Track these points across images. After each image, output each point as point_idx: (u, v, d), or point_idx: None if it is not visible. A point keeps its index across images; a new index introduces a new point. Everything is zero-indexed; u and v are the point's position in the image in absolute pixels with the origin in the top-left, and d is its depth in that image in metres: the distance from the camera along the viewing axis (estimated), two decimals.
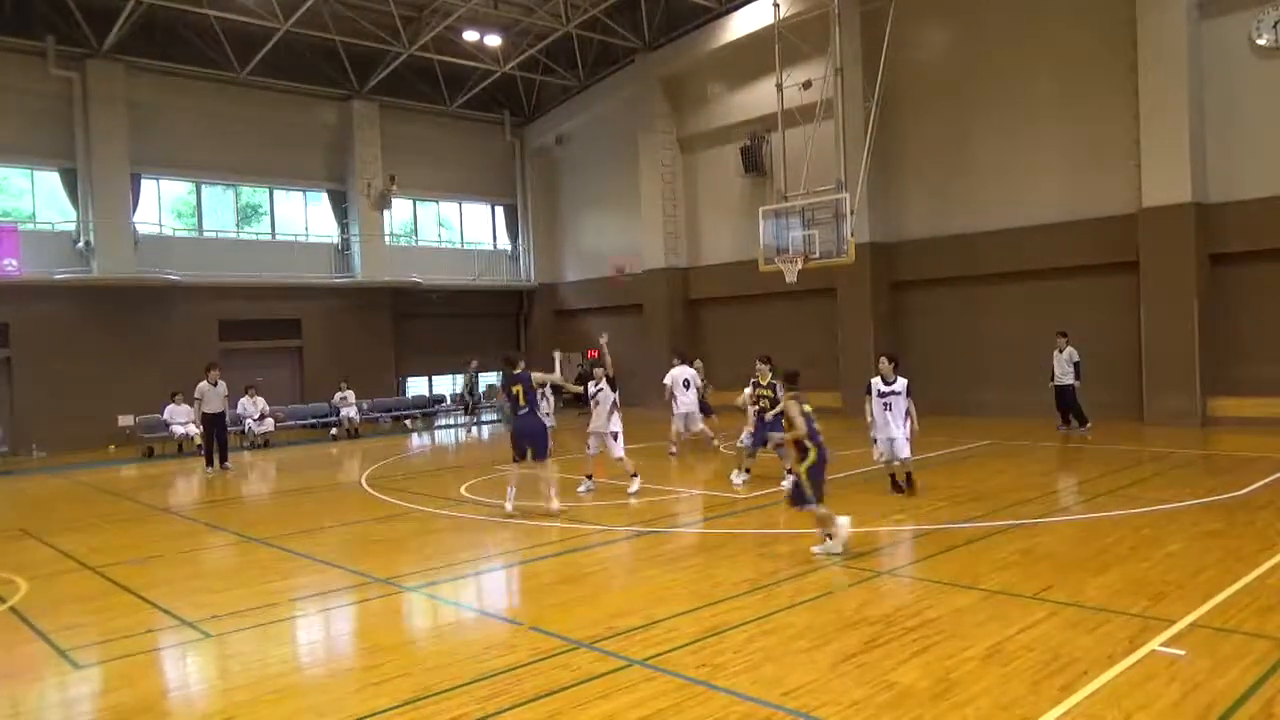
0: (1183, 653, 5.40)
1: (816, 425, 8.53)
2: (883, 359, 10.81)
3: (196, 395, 17.59)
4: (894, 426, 10.53)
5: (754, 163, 23.87)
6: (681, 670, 5.50)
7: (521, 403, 11.01)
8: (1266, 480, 10.95)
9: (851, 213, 18.30)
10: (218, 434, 17.28)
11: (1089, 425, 16.59)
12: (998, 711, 4.72)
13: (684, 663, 5.64)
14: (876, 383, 10.68)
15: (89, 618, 7.52)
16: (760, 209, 19.99)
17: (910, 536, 8.86)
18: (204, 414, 17.37)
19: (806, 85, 20.18)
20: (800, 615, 6.51)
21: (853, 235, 18.26)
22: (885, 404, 10.61)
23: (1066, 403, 16.73)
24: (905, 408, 10.55)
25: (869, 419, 10.80)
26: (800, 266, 18.82)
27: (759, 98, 23.20)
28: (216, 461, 17.15)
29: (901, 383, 10.59)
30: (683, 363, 15.93)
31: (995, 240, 19.66)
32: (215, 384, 17.16)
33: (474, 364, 24.85)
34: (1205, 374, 16.86)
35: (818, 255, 18.67)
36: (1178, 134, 16.73)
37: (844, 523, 8.13)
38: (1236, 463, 12.60)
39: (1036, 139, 19.09)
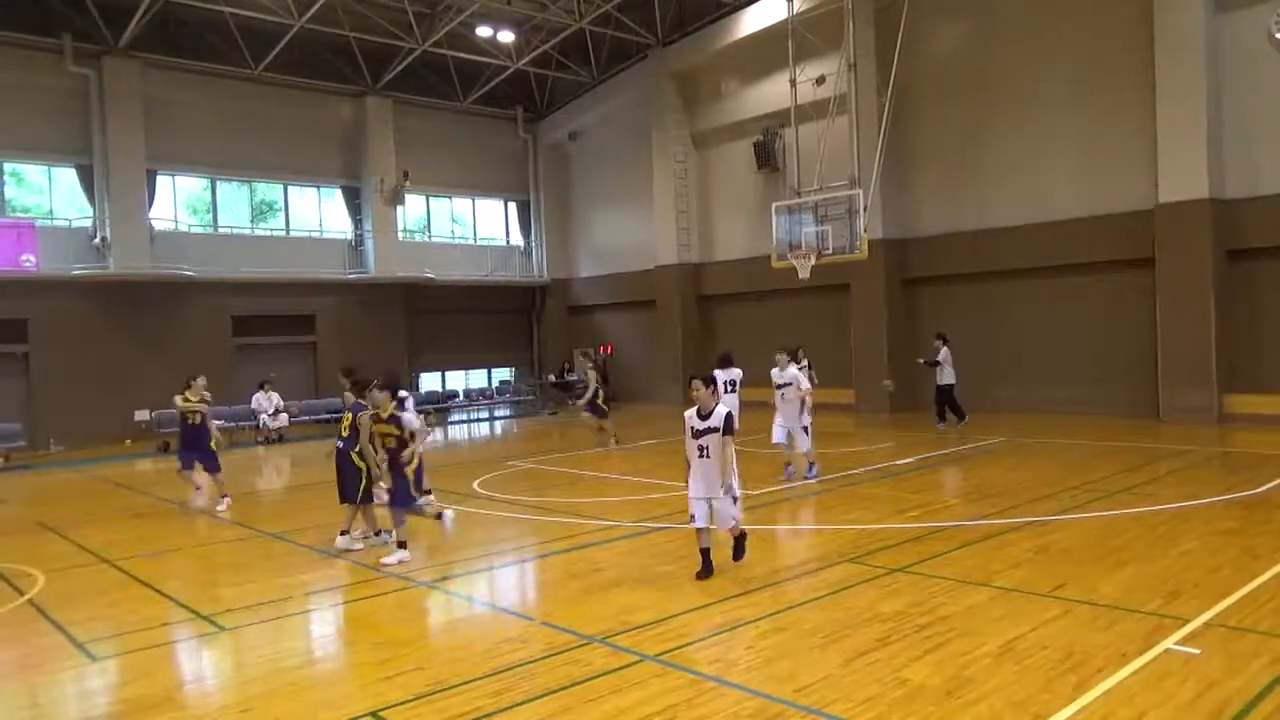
0: (1198, 651, 5.37)
1: None
2: (695, 381, 7.61)
3: None
4: (713, 479, 7.43)
5: (767, 158, 23.81)
6: (694, 666, 5.51)
7: (343, 433, 9.53)
8: None
9: (865, 208, 18.23)
10: None
11: (965, 420, 17.22)
12: (1011, 709, 4.70)
13: (696, 658, 5.65)
14: (690, 416, 7.63)
15: (106, 611, 7.60)
16: (773, 205, 19.93)
17: (924, 533, 8.83)
18: None
19: (820, 80, 20.10)
20: (812, 612, 6.51)
21: (866, 231, 18.18)
22: (700, 449, 7.45)
23: (944, 399, 17.40)
24: (725, 452, 7.39)
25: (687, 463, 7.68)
26: (813, 262, 18.75)
27: (772, 93, 23.13)
28: None
29: (720, 414, 7.41)
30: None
31: (1009, 236, 19.55)
32: None
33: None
34: (1222, 371, 16.73)
35: (831, 251, 18.59)
36: (1195, 129, 16.58)
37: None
38: (1254, 460, 12.50)
39: (1051, 134, 18.97)
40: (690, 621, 6.40)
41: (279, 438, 21.60)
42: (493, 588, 8.16)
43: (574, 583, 7.78)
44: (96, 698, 5.77)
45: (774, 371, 12.43)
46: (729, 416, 7.41)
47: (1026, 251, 19.30)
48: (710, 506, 7.46)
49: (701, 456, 7.46)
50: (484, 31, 24.90)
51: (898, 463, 13.63)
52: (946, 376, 17.35)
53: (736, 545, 7.82)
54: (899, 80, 19.13)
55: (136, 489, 15.21)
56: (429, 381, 29.20)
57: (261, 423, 21.47)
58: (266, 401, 21.71)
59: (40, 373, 21.49)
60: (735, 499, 7.52)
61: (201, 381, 12.81)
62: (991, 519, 9.33)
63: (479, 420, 26.70)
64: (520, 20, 25.04)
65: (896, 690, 5.01)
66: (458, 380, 30.14)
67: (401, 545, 8.74)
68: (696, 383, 7.60)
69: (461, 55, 26.14)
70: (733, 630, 6.16)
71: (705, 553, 7.55)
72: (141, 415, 21.83)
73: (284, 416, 21.92)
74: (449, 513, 9.16)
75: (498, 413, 28.06)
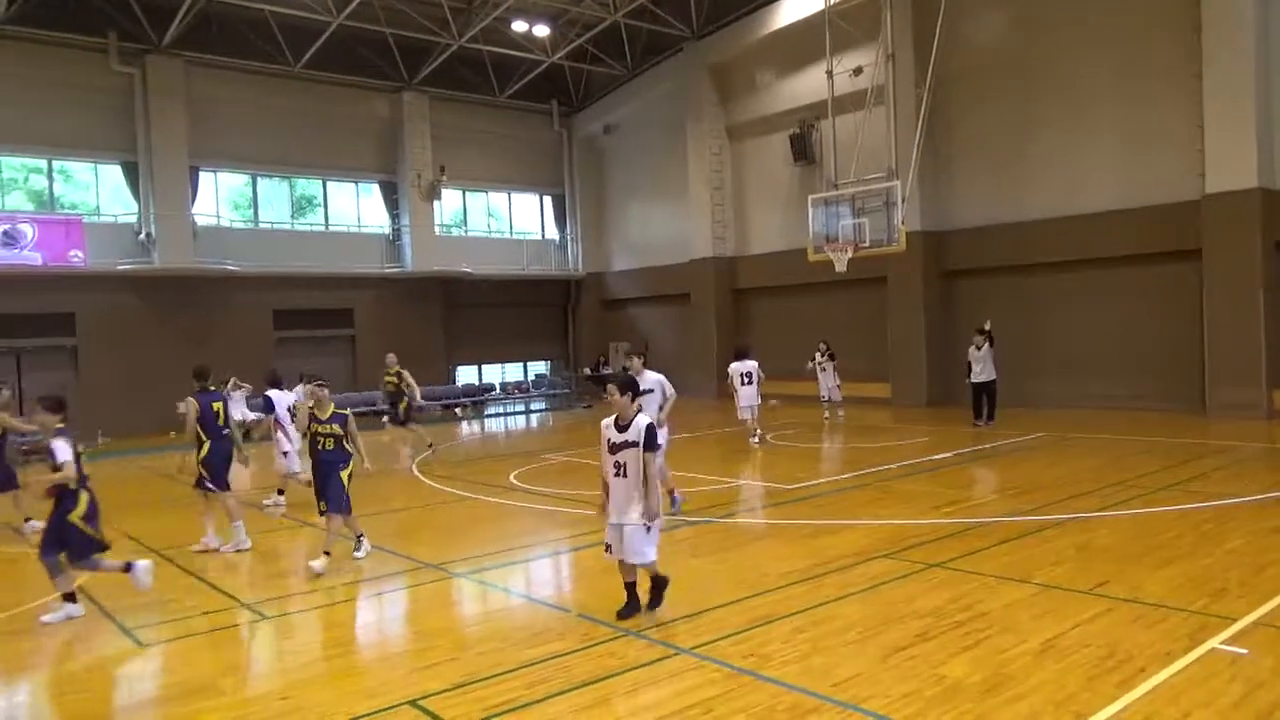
0: (1245, 651, 5.25)
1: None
2: (610, 386, 6.44)
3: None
4: (627, 504, 6.26)
5: (803, 151, 23.67)
6: (729, 660, 5.50)
7: (221, 422, 9.70)
8: None
9: (903, 200, 18.06)
10: None
11: (991, 423, 16.73)
12: (1052, 707, 4.64)
13: (731, 652, 5.63)
14: (607, 426, 6.44)
15: (152, 598, 7.75)
16: (809, 197, 19.82)
17: (962, 529, 8.73)
18: None
19: (857, 72, 19.93)
20: (849, 607, 6.47)
21: (904, 223, 18.02)
22: (616, 465, 6.30)
23: (985, 395, 16.89)
24: (641, 472, 6.21)
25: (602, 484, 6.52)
26: (850, 255, 18.64)
27: (808, 85, 22.96)
28: None
29: (640, 426, 6.23)
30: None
31: (1052, 228, 19.23)
32: None
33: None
34: (1271, 365, 16.33)
35: (868, 244, 18.47)
36: (1244, 116, 16.18)
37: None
38: None
39: (1095, 123, 18.62)
40: (724, 615, 6.38)
41: None
42: (529, 580, 8.21)
43: (609, 576, 7.76)
44: (144, 682, 5.90)
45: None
46: (650, 430, 6.22)
47: (1069, 243, 18.98)
48: (622, 533, 6.27)
49: (618, 474, 6.26)
50: (519, 26, 24.98)
51: (934, 457, 13.49)
52: (984, 373, 16.83)
53: (654, 589, 6.50)
54: (937, 70, 18.92)
55: (180, 480, 15.48)
56: (466, 375, 29.44)
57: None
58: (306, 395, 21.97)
59: (88, 365, 21.98)
60: (649, 528, 6.22)
61: (6, 393, 11.01)
62: (1031, 515, 9.21)
63: (515, 413, 26.85)
64: (555, 14, 25.08)
65: (934, 687, 4.96)
66: (494, 374, 30.35)
67: (69, 598, 7.15)
68: (611, 388, 6.35)
69: (497, 50, 26.24)
70: (767, 625, 6.14)
71: (630, 587, 6.45)
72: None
73: None
74: (142, 564, 7.49)
75: (533, 406, 28.20)
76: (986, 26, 20.37)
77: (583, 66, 28.56)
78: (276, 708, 5.17)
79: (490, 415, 26.29)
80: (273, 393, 12.16)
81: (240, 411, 21.18)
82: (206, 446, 9.47)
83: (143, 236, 23.07)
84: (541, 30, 25.39)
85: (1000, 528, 8.73)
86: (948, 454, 13.72)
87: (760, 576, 7.36)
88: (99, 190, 23.49)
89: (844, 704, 4.80)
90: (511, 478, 13.43)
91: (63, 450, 7.13)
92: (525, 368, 31.29)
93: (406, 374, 15.55)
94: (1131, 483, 10.72)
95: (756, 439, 15.58)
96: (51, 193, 22.83)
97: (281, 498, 11.88)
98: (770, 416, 17.23)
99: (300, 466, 12.11)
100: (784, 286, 24.83)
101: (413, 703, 5.09)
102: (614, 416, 6.39)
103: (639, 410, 6.39)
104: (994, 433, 15.79)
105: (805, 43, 22.33)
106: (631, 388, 6.37)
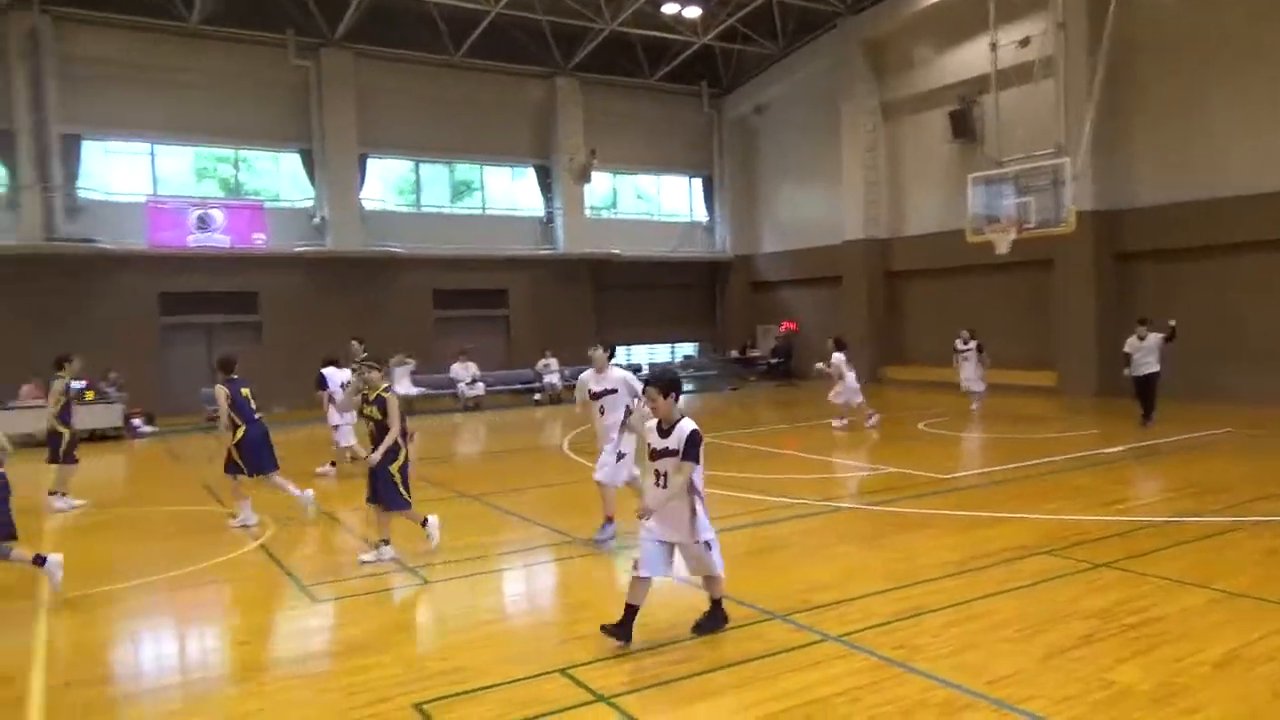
0: None
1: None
2: (649, 389, 5.80)
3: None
4: (675, 515, 5.66)
5: (963, 127, 22.63)
6: (878, 649, 5.40)
7: (253, 407, 9.92)
8: None
9: (1072, 178, 17.02)
10: None
11: (1151, 420, 15.06)
12: None
13: (879, 642, 5.52)
14: (650, 430, 5.86)
15: (326, 558, 8.33)
16: (970, 176, 18.95)
17: (1133, 528, 8.21)
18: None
19: (1024, 42, 18.89)
20: (1007, 602, 6.21)
21: (1073, 202, 16.99)
22: (657, 475, 5.75)
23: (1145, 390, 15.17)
24: (685, 482, 5.59)
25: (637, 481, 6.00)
26: (1014, 236, 17.74)
27: (970, 58, 21.92)
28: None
29: (682, 430, 5.65)
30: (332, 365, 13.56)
31: (1243, 206, 17.60)
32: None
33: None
34: None
35: (1033, 224, 17.52)
36: None
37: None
38: None
39: None
40: (873, 604, 6.26)
41: (475, 405, 22.79)
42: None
43: (756, 558, 7.78)
44: (316, 635, 6.34)
45: (585, 376, 8.68)
46: (693, 436, 5.59)
47: (1264, 222, 17.31)
48: (671, 552, 5.76)
49: (658, 484, 5.72)
50: (670, 8, 24.96)
51: (1104, 450, 12.72)
52: (1146, 366, 15.11)
53: (712, 610, 5.90)
54: (1113, 37, 17.65)
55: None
56: (615, 355, 29.85)
57: (460, 391, 22.71)
58: (464, 371, 22.95)
59: (269, 340, 23.66)
60: (709, 545, 5.72)
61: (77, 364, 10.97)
62: (1211, 516, 8.54)
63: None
64: None
65: (1099, 692, 4.70)
66: (642, 355, 30.71)
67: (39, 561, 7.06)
68: (651, 390, 5.73)
69: (648, 33, 26.34)
70: (918, 616, 5.98)
71: (632, 610, 5.62)
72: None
73: (480, 385, 23.10)
74: (54, 558, 7.06)
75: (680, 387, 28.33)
76: None
77: (733, 47, 28.30)
78: (436, 667, 5.45)
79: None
80: (326, 370, 13.06)
81: (405, 386, 22.37)
82: (241, 431, 9.76)
83: (317, 220, 24.59)
84: (692, 11, 25.30)
85: (1177, 528, 8.15)
86: (1118, 447, 12.90)
87: (912, 567, 7.17)
88: (279, 177, 25.19)
89: (1000, 703, 4.62)
90: None
91: None
92: (673, 349, 31.49)
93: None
94: None
95: (874, 418, 16.26)
96: (237, 180, 24.67)
97: (332, 469, 12.94)
98: (913, 402, 16.67)
99: (348, 441, 12.88)
100: (940, 269, 23.91)
101: (563, 671, 5.25)
102: (656, 420, 5.79)
103: (681, 415, 5.74)
104: (1172, 427, 14.67)
105: (966, 14, 21.28)
106: (674, 388, 5.74)
